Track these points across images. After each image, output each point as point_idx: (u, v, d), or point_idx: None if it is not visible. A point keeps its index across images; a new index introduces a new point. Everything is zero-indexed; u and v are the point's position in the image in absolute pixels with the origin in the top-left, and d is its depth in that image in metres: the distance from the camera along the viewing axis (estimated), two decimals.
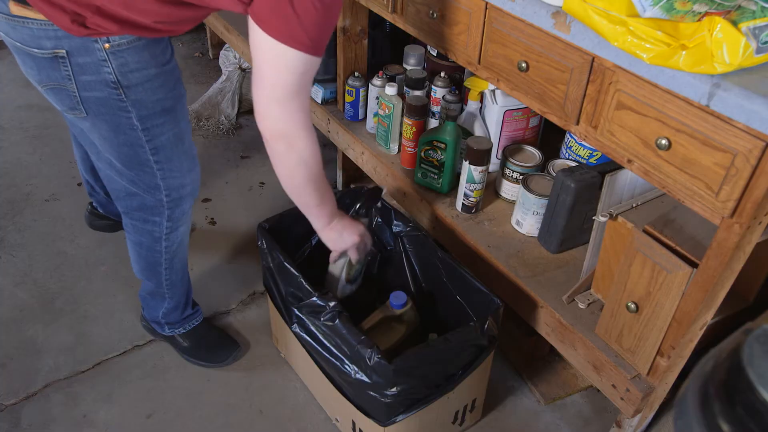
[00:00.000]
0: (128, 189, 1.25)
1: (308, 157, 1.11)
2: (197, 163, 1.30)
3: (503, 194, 1.55)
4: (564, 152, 1.51)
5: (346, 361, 1.18)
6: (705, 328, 1.08)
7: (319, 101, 1.89)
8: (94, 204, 1.82)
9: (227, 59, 2.51)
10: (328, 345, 1.22)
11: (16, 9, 1.01)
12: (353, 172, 2.09)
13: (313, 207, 1.22)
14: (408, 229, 1.42)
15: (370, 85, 1.72)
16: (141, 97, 1.10)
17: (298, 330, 1.30)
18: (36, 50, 1.04)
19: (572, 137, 1.47)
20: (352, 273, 1.38)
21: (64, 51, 1.03)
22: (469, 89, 1.54)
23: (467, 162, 1.42)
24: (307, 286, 1.22)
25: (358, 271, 1.41)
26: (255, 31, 0.98)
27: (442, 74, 1.69)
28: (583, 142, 1.44)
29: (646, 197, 1.19)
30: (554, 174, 1.42)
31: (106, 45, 1.03)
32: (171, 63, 1.14)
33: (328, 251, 1.55)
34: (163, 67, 1.11)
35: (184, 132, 1.22)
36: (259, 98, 1.05)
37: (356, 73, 1.76)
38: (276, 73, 1.01)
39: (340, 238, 1.29)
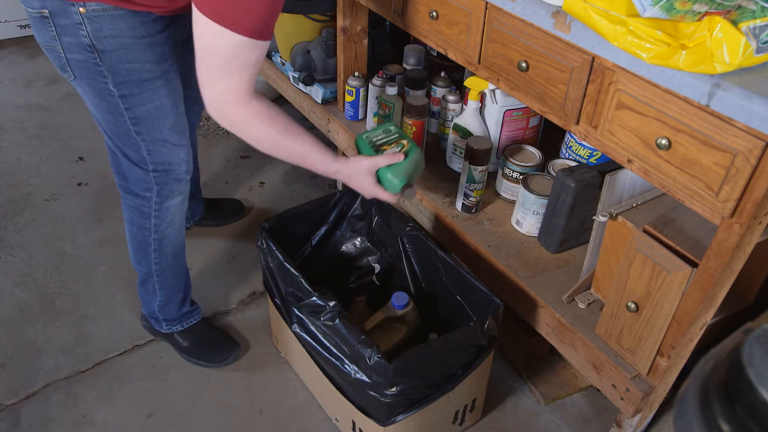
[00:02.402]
0: (122, 162, 1.27)
1: (255, 134, 1.09)
2: (187, 143, 1.30)
3: (503, 194, 1.55)
4: (564, 152, 1.51)
5: (346, 361, 1.18)
6: (705, 328, 1.08)
7: (319, 101, 1.89)
8: None
9: None
10: (328, 345, 1.22)
11: None
12: None
13: (300, 165, 1.16)
14: (408, 229, 1.42)
15: (370, 85, 1.72)
16: (114, 64, 1.12)
17: (298, 330, 1.30)
18: (30, 9, 1.09)
19: (572, 137, 1.47)
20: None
21: (47, 11, 1.07)
22: (469, 89, 1.54)
23: (467, 162, 1.42)
24: (307, 286, 1.22)
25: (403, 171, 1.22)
26: (194, 13, 0.97)
27: (442, 74, 1.69)
28: (583, 142, 1.44)
29: (646, 197, 1.19)
30: (554, 174, 1.42)
31: (81, 9, 1.05)
32: (154, 38, 1.13)
33: (327, 251, 1.55)
34: (142, 40, 1.11)
35: (168, 107, 1.22)
36: (200, 83, 1.03)
37: (356, 73, 1.76)
38: (209, 53, 0.99)
39: (349, 184, 1.23)
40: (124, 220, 1.39)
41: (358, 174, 1.19)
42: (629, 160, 1.01)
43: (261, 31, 0.97)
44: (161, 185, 1.30)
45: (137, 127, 1.20)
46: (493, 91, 1.51)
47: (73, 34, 1.08)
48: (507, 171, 1.51)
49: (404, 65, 1.83)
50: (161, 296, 1.46)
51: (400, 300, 1.33)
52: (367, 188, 1.21)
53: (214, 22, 0.95)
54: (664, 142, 0.93)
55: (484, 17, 1.19)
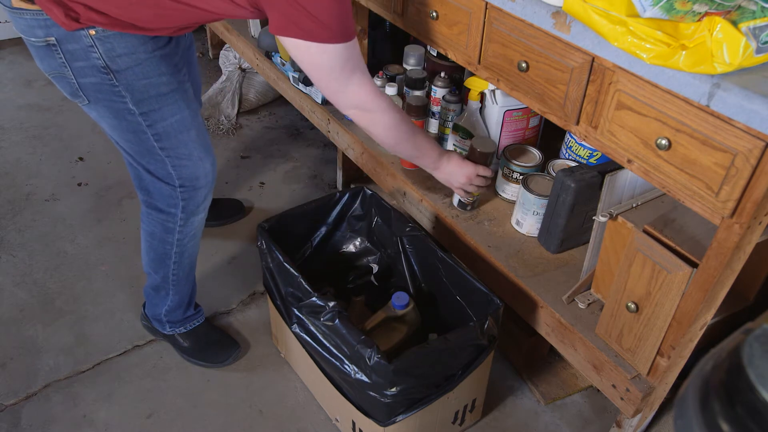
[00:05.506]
0: (145, 177, 1.26)
1: (388, 122, 1.19)
2: (211, 154, 1.29)
3: (503, 194, 1.55)
4: (564, 152, 1.51)
5: (346, 361, 1.18)
6: (705, 328, 1.08)
7: (319, 101, 1.89)
8: None
9: (227, 59, 2.51)
10: (328, 345, 1.22)
11: (15, 1, 1.05)
12: (353, 172, 2.09)
13: (414, 158, 1.33)
14: (408, 229, 1.42)
15: None
16: (131, 82, 1.11)
17: (297, 330, 1.30)
18: (33, 39, 1.07)
19: (572, 137, 1.47)
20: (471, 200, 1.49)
21: (54, 39, 1.05)
22: (469, 89, 1.54)
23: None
24: (306, 286, 1.22)
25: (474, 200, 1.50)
26: (285, 42, 1.04)
27: (442, 74, 1.69)
28: (583, 142, 1.44)
29: (646, 197, 1.19)
30: (554, 174, 1.42)
31: (92, 32, 1.04)
32: (165, 49, 1.13)
33: (327, 252, 1.55)
34: (154, 53, 1.11)
35: (189, 120, 1.21)
36: (326, 95, 1.14)
37: None
38: (320, 70, 1.08)
39: (449, 180, 1.39)
40: (143, 232, 1.37)
41: (458, 171, 1.37)
42: (629, 161, 1.01)
43: (350, 32, 1.05)
44: (187, 200, 1.28)
45: (161, 143, 1.19)
46: (493, 91, 1.51)
47: (84, 58, 1.07)
48: (507, 171, 1.51)
49: (404, 65, 1.83)
50: (172, 302, 1.46)
51: (400, 300, 1.33)
52: (467, 168, 1.37)
53: (312, 41, 1.02)
54: (664, 142, 0.93)
55: (484, 17, 1.19)
